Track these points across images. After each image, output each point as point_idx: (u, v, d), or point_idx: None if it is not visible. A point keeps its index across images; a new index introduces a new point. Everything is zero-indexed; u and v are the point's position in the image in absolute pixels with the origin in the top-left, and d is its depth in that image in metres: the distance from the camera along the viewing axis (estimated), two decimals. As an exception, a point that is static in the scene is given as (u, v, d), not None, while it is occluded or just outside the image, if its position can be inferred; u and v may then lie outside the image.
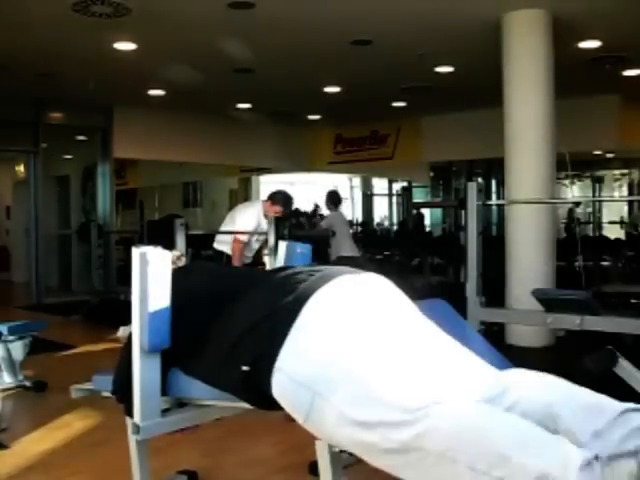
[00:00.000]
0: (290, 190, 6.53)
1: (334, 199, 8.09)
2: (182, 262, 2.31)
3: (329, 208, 8.10)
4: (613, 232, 12.76)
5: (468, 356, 1.57)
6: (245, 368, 1.48)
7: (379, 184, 16.42)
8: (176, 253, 2.25)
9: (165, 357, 1.87)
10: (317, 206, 10.19)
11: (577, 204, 11.52)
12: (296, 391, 1.42)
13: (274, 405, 1.50)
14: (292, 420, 1.76)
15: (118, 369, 1.99)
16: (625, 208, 14.70)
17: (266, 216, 5.72)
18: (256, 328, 1.51)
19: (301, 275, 1.60)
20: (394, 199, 15.80)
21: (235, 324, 1.59)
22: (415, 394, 1.33)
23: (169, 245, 2.06)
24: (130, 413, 1.92)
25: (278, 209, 5.74)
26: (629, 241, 10.81)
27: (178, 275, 1.91)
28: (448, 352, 1.55)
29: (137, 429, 1.91)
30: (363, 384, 1.36)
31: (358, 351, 1.39)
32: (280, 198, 5.86)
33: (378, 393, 1.33)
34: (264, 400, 1.53)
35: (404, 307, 1.59)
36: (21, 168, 11.53)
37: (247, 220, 5.81)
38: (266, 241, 5.87)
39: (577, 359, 2.62)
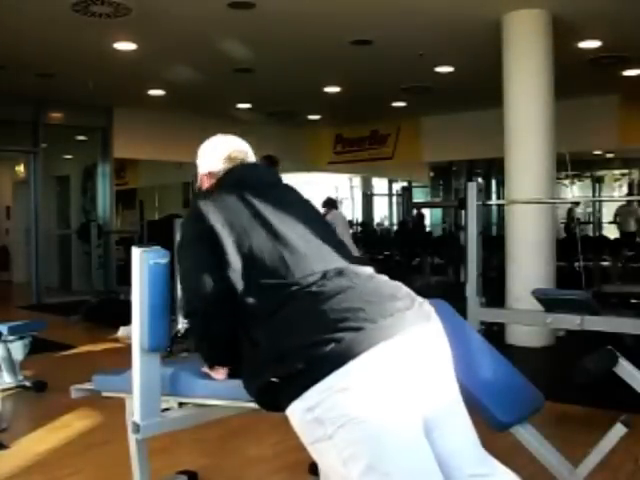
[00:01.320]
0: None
1: (332, 203, 8.24)
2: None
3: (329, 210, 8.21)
4: (613, 232, 12.76)
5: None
6: (274, 380, 1.48)
7: (379, 184, 16.42)
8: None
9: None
10: None
11: (576, 204, 11.52)
12: (310, 423, 1.44)
13: (282, 410, 1.51)
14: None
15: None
16: (625, 208, 14.68)
17: None
18: (299, 350, 1.46)
19: (368, 310, 1.49)
20: (394, 199, 15.80)
21: (278, 331, 1.54)
22: None
23: (169, 245, 2.05)
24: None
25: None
26: (629, 240, 10.83)
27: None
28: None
29: (137, 428, 1.91)
30: (375, 456, 1.41)
31: (385, 430, 1.42)
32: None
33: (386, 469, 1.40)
34: (275, 407, 1.55)
35: (445, 382, 1.60)
36: (21, 168, 11.53)
37: None
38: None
39: (577, 359, 2.62)
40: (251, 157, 2.01)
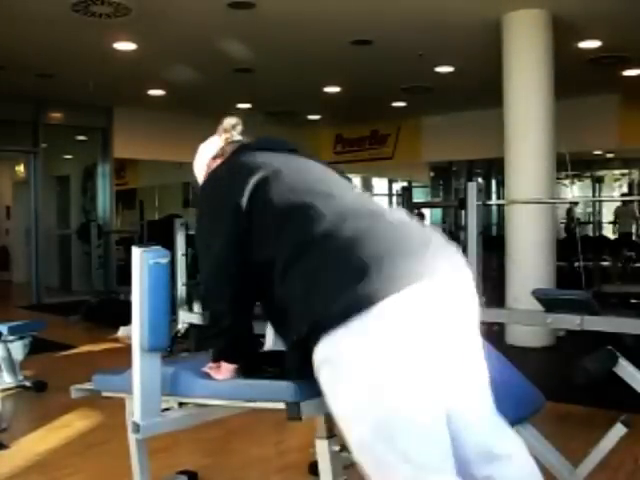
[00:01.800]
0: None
1: None
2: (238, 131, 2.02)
3: None
4: (612, 232, 12.75)
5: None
6: (299, 337, 1.48)
7: (379, 184, 16.41)
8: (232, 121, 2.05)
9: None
10: None
11: (576, 204, 11.51)
12: (323, 369, 1.46)
13: (310, 374, 1.51)
14: (292, 420, 1.75)
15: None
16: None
17: None
18: (320, 300, 1.44)
19: (397, 259, 1.44)
20: (394, 199, 15.79)
21: (300, 287, 1.50)
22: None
23: (169, 245, 2.04)
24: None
25: None
26: (627, 240, 10.84)
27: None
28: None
29: (137, 428, 1.91)
30: (381, 416, 1.40)
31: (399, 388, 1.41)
32: None
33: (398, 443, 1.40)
34: (307, 366, 1.52)
35: (471, 335, 1.59)
36: (21, 168, 11.53)
37: None
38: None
39: (577, 359, 2.62)
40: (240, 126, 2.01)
